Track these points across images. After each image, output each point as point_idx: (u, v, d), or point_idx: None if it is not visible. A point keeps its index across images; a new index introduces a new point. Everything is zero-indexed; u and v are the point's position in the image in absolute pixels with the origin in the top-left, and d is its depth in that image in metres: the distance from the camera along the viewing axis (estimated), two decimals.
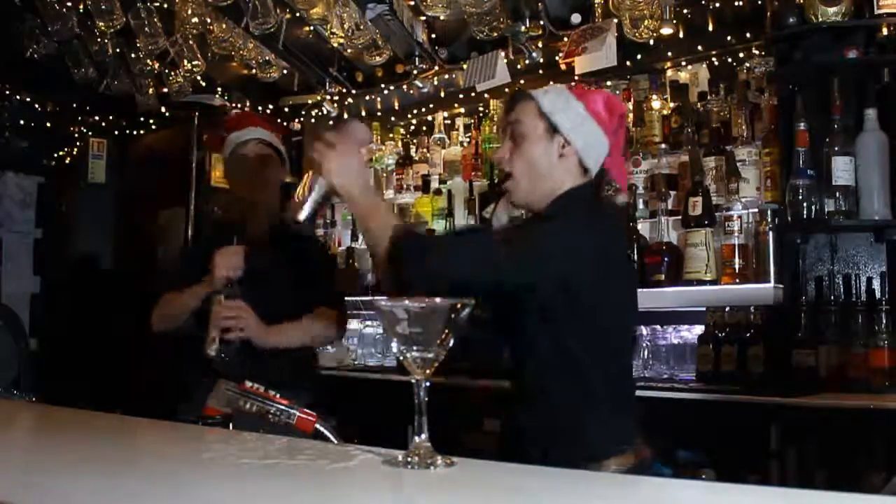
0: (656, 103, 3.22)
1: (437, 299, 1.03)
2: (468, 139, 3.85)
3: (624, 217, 2.80)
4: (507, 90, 3.67)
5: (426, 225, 3.74)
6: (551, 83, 3.58)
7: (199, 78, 4.11)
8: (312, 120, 4.54)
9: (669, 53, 3.27)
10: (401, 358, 1.05)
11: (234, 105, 4.59)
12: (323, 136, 1.61)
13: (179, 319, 2.48)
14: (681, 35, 3.21)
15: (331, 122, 4.17)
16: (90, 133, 5.14)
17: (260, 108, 4.68)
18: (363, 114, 4.36)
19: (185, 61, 3.88)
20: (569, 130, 1.70)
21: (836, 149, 2.59)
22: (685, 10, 3.18)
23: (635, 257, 2.92)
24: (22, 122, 4.98)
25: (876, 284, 2.60)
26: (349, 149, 1.60)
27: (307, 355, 2.53)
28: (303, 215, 1.64)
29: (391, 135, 4.19)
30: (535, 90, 1.77)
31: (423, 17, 3.62)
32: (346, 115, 4.45)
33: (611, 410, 1.66)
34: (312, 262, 2.51)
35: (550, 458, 1.54)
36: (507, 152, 1.75)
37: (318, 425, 1.69)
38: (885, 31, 2.61)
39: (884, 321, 2.46)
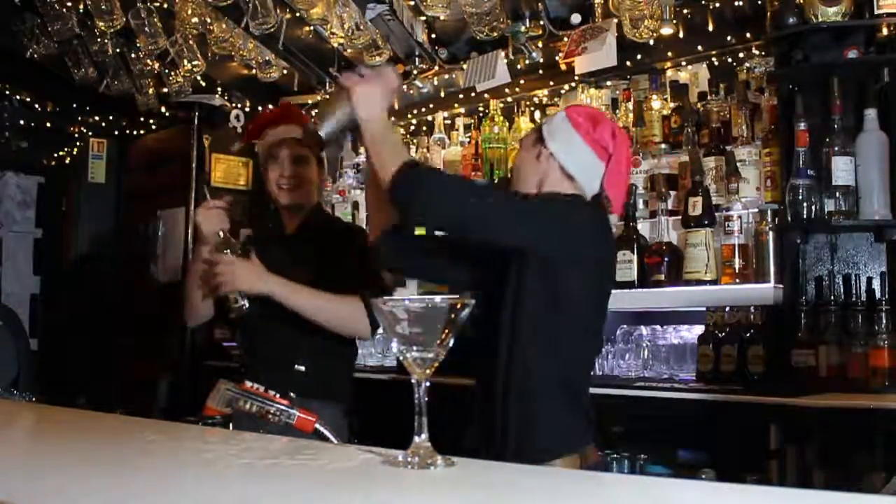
0: (656, 103, 3.22)
1: (437, 299, 1.03)
2: (468, 139, 3.85)
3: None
4: (507, 90, 3.68)
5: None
6: (551, 83, 3.63)
7: (199, 78, 4.12)
8: (312, 120, 4.53)
9: (669, 53, 3.26)
10: (401, 358, 1.05)
11: (234, 105, 4.59)
12: (356, 71, 1.79)
13: (203, 307, 2.33)
14: (681, 35, 3.20)
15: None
16: (90, 133, 5.15)
17: (260, 107, 4.69)
18: None
19: (185, 61, 3.88)
20: (546, 133, 1.86)
21: (836, 149, 2.59)
22: (685, 10, 3.17)
23: (635, 257, 2.93)
24: (22, 122, 4.98)
25: (876, 284, 2.59)
26: (377, 84, 1.75)
27: (342, 360, 2.37)
28: (324, 130, 1.77)
29: None
30: None
31: (423, 17, 3.62)
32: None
33: (564, 410, 1.72)
34: (344, 262, 2.35)
35: (499, 453, 1.65)
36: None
37: (317, 425, 1.69)
38: (885, 31, 2.61)
39: (884, 321, 2.45)
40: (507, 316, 1.70)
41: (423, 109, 4.11)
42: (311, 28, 3.77)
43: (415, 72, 3.88)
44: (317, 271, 2.27)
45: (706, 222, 2.80)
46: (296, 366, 2.22)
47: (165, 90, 4.25)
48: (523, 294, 1.69)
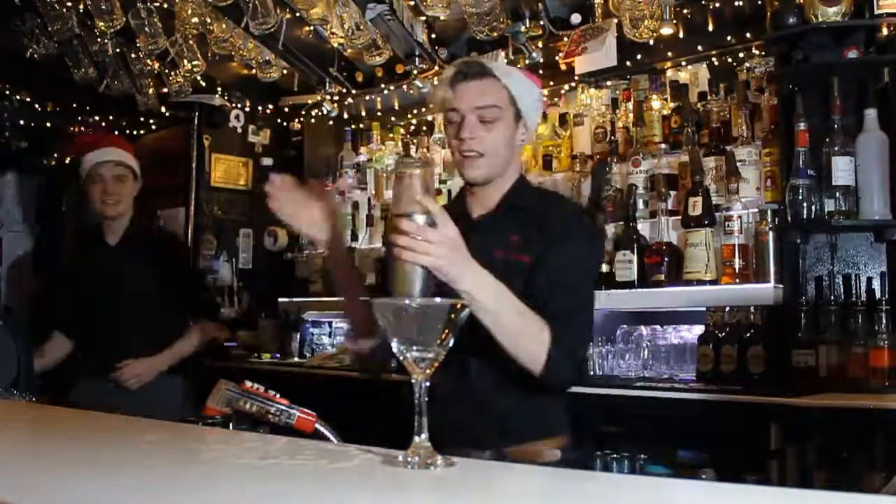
0: (656, 103, 3.22)
1: (437, 299, 1.03)
2: None
3: None
4: None
5: None
6: (551, 83, 3.63)
7: (199, 78, 4.12)
8: (312, 120, 4.54)
9: (669, 53, 3.27)
10: (401, 358, 1.05)
11: (234, 105, 4.60)
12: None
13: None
14: (681, 35, 3.21)
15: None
16: (90, 133, 5.14)
17: (260, 107, 4.69)
18: (363, 114, 4.36)
19: (185, 61, 3.89)
20: (529, 114, 1.78)
21: (836, 149, 2.59)
22: (685, 10, 3.18)
23: (635, 257, 2.93)
24: (22, 122, 4.98)
25: (876, 284, 2.59)
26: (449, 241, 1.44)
27: None
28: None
29: (391, 135, 4.19)
30: (496, 65, 1.81)
31: (423, 17, 3.62)
32: (346, 116, 4.46)
33: (551, 395, 1.72)
34: (170, 266, 2.95)
35: (483, 436, 1.63)
36: (477, 131, 1.71)
37: (317, 425, 1.68)
38: (885, 31, 2.61)
39: (884, 321, 2.45)
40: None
41: (423, 109, 4.11)
42: (311, 28, 3.77)
43: (415, 72, 3.88)
44: (142, 281, 2.84)
45: (706, 222, 2.80)
46: None
47: (165, 90, 4.25)
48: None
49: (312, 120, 4.51)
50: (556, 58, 3.45)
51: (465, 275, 1.45)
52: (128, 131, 5.09)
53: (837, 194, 2.59)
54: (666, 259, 2.88)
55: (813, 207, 2.60)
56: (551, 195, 2.06)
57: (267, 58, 3.99)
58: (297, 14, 3.60)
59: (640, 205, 3.09)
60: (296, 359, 4.06)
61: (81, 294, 2.93)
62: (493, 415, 1.69)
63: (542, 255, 1.68)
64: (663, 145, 3.14)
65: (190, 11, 3.71)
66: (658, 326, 3.11)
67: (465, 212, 1.81)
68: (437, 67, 3.82)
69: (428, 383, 1.05)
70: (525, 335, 1.56)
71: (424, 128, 4.19)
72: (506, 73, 1.76)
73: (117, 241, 2.92)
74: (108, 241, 2.92)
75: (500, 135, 1.74)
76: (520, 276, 1.65)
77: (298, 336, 4.15)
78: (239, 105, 4.61)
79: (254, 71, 4.08)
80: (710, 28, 3.14)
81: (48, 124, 5.06)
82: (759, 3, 2.94)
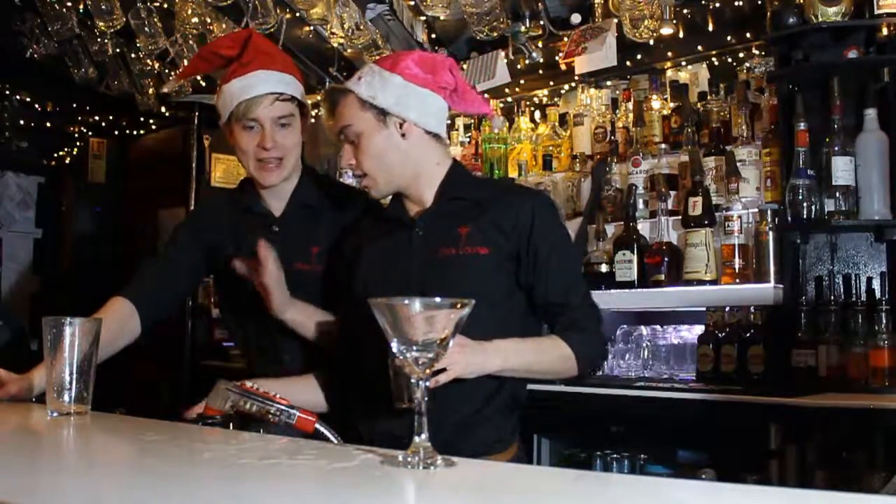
0: (656, 103, 3.22)
1: (437, 299, 1.03)
2: (468, 139, 3.85)
3: None
4: (507, 90, 3.68)
5: None
6: (551, 83, 3.63)
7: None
8: (312, 120, 4.53)
9: (669, 53, 3.27)
10: (401, 358, 1.05)
11: None
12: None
13: None
14: (681, 35, 3.21)
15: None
16: (90, 133, 5.15)
17: None
18: None
19: (185, 61, 3.89)
20: (396, 106, 1.63)
21: (836, 149, 2.59)
22: (685, 10, 3.18)
23: (635, 257, 2.93)
24: (22, 122, 4.99)
25: (876, 284, 2.59)
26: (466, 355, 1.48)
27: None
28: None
29: None
30: (351, 80, 1.67)
31: (423, 17, 3.62)
32: None
33: (509, 407, 1.70)
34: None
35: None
36: (351, 157, 1.67)
37: (318, 425, 1.68)
38: (885, 31, 2.61)
39: (884, 321, 2.45)
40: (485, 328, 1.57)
41: None
42: (311, 28, 3.77)
43: None
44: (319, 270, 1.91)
45: (706, 222, 2.80)
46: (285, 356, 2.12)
47: (165, 90, 4.25)
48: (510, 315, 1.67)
49: (312, 120, 4.51)
50: (556, 58, 3.45)
51: (487, 361, 1.53)
52: (128, 131, 5.10)
53: (837, 194, 2.59)
54: (666, 259, 2.88)
55: (813, 207, 2.60)
56: (488, 182, 2.05)
57: None
58: (297, 14, 3.60)
59: (640, 205, 3.09)
60: None
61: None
62: (439, 433, 1.63)
63: (536, 257, 1.63)
64: (663, 145, 3.14)
65: (190, 11, 3.71)
66: (658, 326, 3.11)
67: (404, 210, 1.73)
68: None
69: (428, 383, 1.05)
70: (556, 362, 1.64)
71: None
72: (357, 79, 1.66)
73: (281, 212, 1.94)
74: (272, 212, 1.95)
75: (370, 148, 1.64)
76: (478, 269, 1.61)
77: None
78: None
79: None
80: (710, 28, 3.14)
81: (48, 124, 5.07)
82: (759, 3, 2.95)
